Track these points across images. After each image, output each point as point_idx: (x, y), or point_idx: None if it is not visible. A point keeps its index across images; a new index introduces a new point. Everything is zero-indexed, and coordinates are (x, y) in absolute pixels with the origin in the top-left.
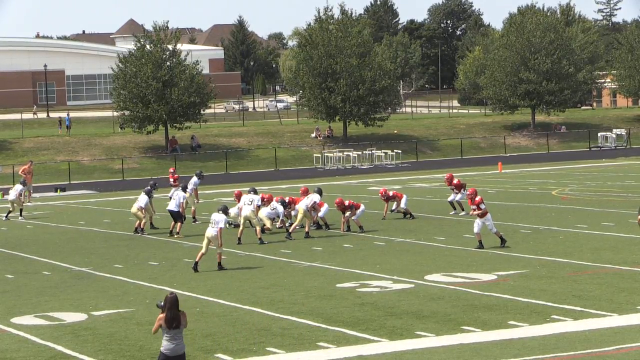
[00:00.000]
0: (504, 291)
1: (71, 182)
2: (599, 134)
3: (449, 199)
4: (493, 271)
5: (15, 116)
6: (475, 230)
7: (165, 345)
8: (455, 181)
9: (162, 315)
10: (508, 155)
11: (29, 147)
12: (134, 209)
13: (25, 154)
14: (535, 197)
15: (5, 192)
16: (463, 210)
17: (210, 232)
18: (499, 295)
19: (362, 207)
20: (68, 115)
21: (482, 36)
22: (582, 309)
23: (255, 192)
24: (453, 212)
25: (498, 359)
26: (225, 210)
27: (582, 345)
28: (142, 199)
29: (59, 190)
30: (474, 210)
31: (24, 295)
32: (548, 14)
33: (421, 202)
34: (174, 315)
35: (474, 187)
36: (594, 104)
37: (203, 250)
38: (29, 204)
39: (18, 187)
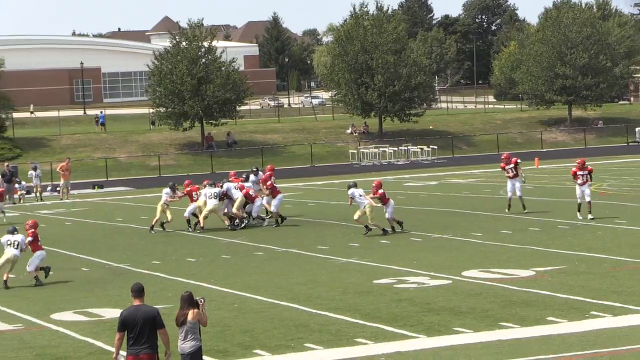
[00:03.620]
0: (542, 287)
1: (108, 179)
2: (637, 129)
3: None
4: (531, 267)
5: (53, 113)
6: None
7: (177, 342)
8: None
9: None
10: (545, 150)
11: (66, 144)
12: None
13: (63, 151)
14: (572, 192)
15: (44, 189)
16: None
17: (12, 252)
18: (537, 291)
19: (391, 201)
20: (102, 112)
21: (517, 31)
22: (622, 305)
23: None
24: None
25: (537, 355)
26: (14, 231)
27: (621, 341)
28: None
29: (96, 187)
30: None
31: (63, 292)
32: (585, 9)
33: (457, 197)
34: (180, 313)
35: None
36: (632, 99)
37: (5, 271)
38: (67, 200)
39: None
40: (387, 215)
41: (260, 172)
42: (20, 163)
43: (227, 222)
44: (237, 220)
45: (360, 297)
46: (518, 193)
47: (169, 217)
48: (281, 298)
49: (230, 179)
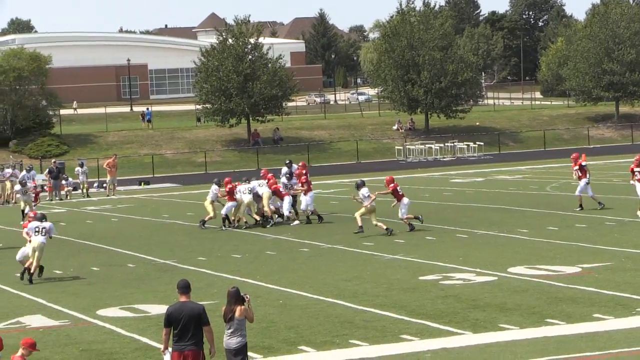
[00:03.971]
0: (588, 284)
1: (154, 175)
2: None
3: None
4: (577, 263)
5: (100, 110)
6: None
7: (223, 337)
8: None
9: (224, 308)
10: (592, 146)
11: (113, 141)
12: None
13: (110, 147)
14: (619, 188)
15: (90, 185)
16: None
17: (39, 240)
18: (584, 287)
19: (405, 199)
20: (148, 109)
21: (565, 27)
22: None
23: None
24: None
25: (583, 352)
26: (43, 218)
27: None
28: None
29: (142, 184)
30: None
31: (109, 288)
32: (633, 5)
33: (504, 194)
34: (228, 309)
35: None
36: None
37: (32, 260)
38: (113, 197)
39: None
40: (400, 215)
41: (294, 165)
42: (67, 159)
43: (258, 218)
44: (263, 219)
45: (405, 293)
46: (577, 192)
47: (212, 213)
48: (326, 294)
49: (265, 177)
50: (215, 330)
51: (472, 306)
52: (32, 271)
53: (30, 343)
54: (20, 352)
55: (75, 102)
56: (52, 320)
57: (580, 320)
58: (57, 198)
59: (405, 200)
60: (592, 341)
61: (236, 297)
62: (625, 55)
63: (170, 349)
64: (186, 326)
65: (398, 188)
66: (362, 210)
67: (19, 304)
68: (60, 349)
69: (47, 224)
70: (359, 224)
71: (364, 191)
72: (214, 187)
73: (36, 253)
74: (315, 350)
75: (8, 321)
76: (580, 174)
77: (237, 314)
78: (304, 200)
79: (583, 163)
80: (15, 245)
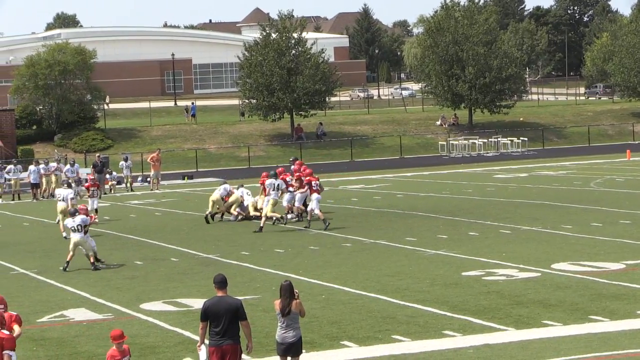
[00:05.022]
0: (632, 280)
1: (198, 169)
2: None
3: None
4: (621, 260)
5: (144, 105)
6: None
7: (277, 331)
8: None
9: (277, 302)
10: (637, 142)
11: (157, 135)
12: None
13: (154, 142)
14: None
15: (134, 179)
16: None
17: (77, 237)
18: (628, 284)
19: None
20: (193, 103)
21: (610, 22)
22: None
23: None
24: None
25: (626, 349)
26: (75, 213)
27: None
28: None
29: (186, 178)
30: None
31: (152, 282)
32: None
33: (548, 190)
34: (285, 303)
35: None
36: None
37: (72, 254)
38: (157, 191)
39: (68, 193)
40: (309, 207)
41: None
42: (111, 154)
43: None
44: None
45: (448, 289)
46: None
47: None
48: (369, 289)
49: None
50: (270, 324)
51: (515, 302)
52: (91, 261)
53: (118, 335)
54: (114, 346)
55: (107, 97)
56: (95, 313)
57: (624, 317)
58: (101, 192)
59: (316, 195)
60: (636, 338)
61: (290, 290)
62: None
63: (207, 342)
64: (224, 321)
65: (313, 183)
66: (271, 203)
67: (63, 297)
68: (103, 342)
69: (78, 219)
70: (277, 216)
71: (278, 183)
72: (225, 186)
73: (79, 248)
74: (358, 345)
75: (52, 314)
76: None
77: (293, 307)
78: (297, 197)
79: None
80: (58, 239)
